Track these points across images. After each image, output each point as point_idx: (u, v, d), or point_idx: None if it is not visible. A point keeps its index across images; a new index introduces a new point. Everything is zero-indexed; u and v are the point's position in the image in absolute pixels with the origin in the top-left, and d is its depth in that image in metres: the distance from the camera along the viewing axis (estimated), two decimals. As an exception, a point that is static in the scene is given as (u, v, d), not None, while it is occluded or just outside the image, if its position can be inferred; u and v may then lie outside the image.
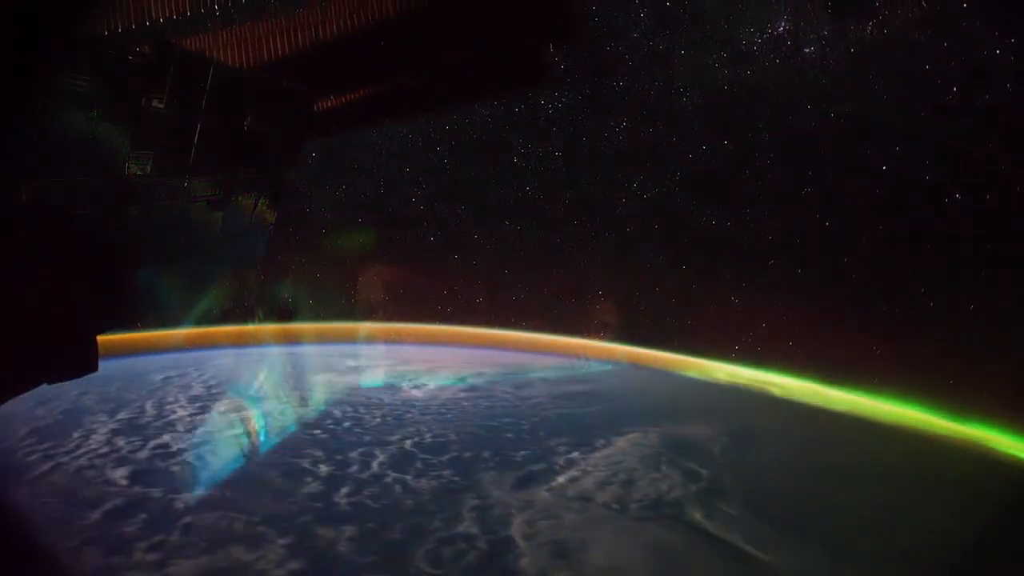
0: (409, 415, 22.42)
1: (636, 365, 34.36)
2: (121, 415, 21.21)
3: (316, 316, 33.14)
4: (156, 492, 14.63)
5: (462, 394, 26.03)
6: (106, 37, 4.32)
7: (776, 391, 30.02)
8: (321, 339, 32.62)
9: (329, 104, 6.92)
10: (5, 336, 2.67)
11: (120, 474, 15.88)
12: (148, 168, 4.24)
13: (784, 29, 26.98)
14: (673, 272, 34.17)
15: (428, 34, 5.90)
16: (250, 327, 30.30)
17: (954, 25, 24.35)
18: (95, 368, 3.17)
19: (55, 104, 3.25)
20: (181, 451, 17.81)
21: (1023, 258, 25.21)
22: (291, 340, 31.50)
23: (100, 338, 4.11)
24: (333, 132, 7.74)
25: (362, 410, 22.85)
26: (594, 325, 35.65)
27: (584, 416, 23.17)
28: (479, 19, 5.94)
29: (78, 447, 17.89)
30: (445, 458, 17.53)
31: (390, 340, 34.01)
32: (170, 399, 23.76)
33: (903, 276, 28.98)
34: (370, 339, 33.90)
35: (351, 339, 33.53)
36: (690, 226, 33.49)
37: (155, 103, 4.13)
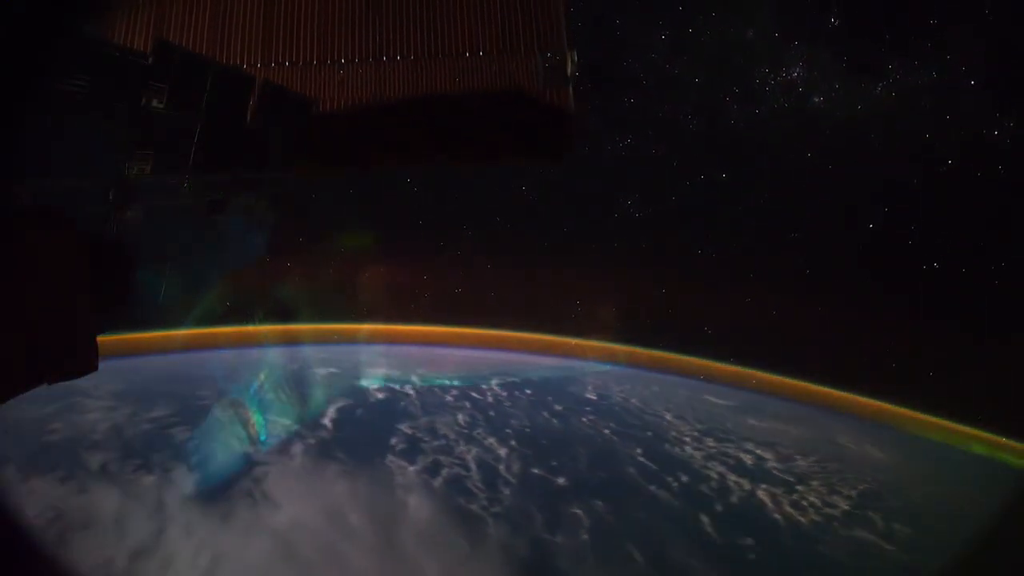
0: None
1: (638, 367, 34.38)
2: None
3: (316, 316, 33.11)
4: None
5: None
6: (106, 38, 4.32)
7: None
8: (321, 339, 32.63)
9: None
10: (5, 336, 2.66)
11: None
12: (148, 168, 4.24)
13: (797, 75, 27.40)
14: (654, 291, 34.43)
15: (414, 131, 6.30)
16: (250, 327, 30.30)
17: (958, 100, 24.91)
18: (95, 368, 3.16)
19: (56, 104, 3.25)
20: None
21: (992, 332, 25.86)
22: (290, 340, 31.50)
23: (100, 338, 4.10)
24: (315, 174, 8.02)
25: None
26: (573, 326, 35.75)
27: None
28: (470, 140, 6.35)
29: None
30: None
31: (371, 340, 33.79)
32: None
33: (870, 330, 29.65)
34: (369, 339, 33.88)
35: (352, 339, 33.52)
36: (676, 251, 33.85)
37: (155, 103, 4.14)
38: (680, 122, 30.55)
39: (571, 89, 6.33)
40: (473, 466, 18.38)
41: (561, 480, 17.93)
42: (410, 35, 6.24)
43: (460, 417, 23.01)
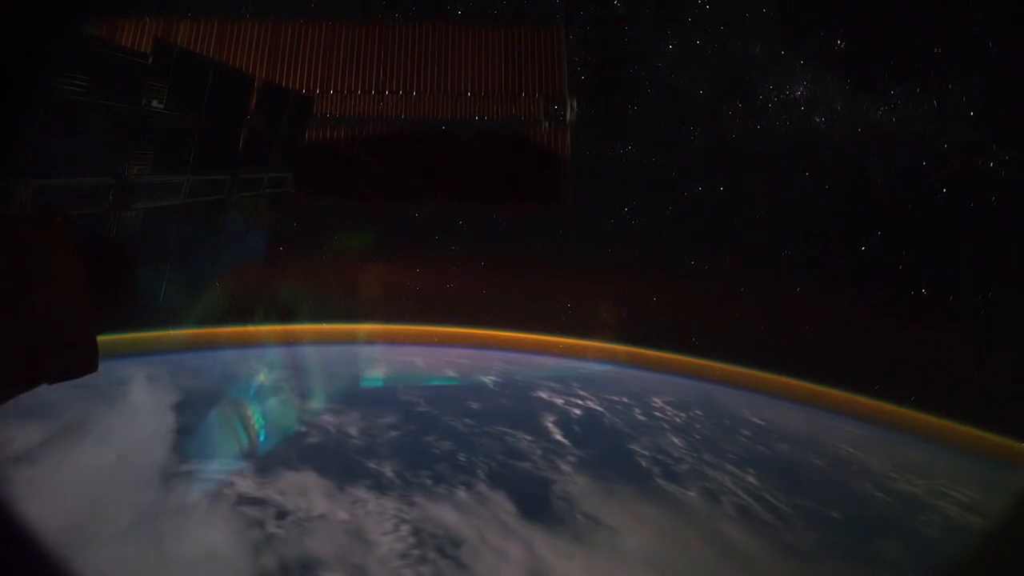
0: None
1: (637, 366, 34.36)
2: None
3: (316, 316, 33.07)
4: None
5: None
6: (106, 37, 4.32)
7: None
8: (321, 340, 32.60)
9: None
10: (5, 336, 2.66)
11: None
12: (148, 168, 4.24)
13: (800, 94, 27.61)
14: (641, 302, 34.48)
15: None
16: (250, 327, 30.27)
17: (957, 130, 25.14)
18: (95, 368, 3.16)
19: (56, 104, 3.25)
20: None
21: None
22: (291, 340, 31.48)
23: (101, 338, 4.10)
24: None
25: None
26: (564, 327, 35.78)
27: None
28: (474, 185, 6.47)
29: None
30: None
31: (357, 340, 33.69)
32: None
33: (853, 357, 30.11)
34: (370, 339, 33.84)
35: (352, 339, 33.48)
36: (669, 261, 33.93)
37: (155, 103, 4.13)
38: (681, 133, 30.66)
39: (570, 135, 6.42)
40: (745, 496, 18.46)
41: (834, 514, 17.96)
42: (416, 72, 6.31)
43: (677, 439, 23.21)
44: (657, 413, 26.71)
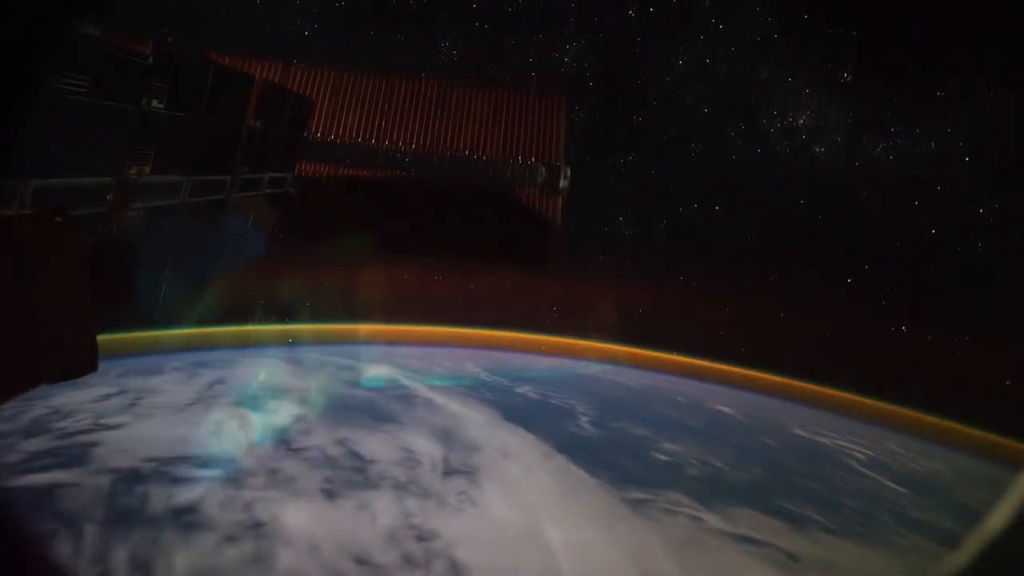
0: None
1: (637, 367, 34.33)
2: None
3: (315, 316, 33.05)
4: None
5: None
6: (106, 38, 4.32)
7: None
8: (321, 340, 32.56)
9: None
10: (5, 336, 2.66)
11: None
12: (148, 168, 4.24)
13: (803, 122, 27.94)
14: (628, 310, 34.50)
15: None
16: (250, 327, 30.26)
17: (952, 174, 25.60)
18: (95, 368, 3.15)
19: (56, 104, 3.25)
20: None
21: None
22: (290, 340, 31.45)
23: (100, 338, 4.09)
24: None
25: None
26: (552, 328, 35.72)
27: None
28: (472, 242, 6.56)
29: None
30: None
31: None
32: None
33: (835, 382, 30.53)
34: (369, 340, 33.81)
35: (351, 340, 33.45)
36: (660, 274, 34.04)
37: (155, 103, 4.14)
38: (683, 148, 30.79)
39: (561, 200, 6.53)
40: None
41: None
42: (417, 126, 6.42)
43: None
44: (899, 454, 26.10)
